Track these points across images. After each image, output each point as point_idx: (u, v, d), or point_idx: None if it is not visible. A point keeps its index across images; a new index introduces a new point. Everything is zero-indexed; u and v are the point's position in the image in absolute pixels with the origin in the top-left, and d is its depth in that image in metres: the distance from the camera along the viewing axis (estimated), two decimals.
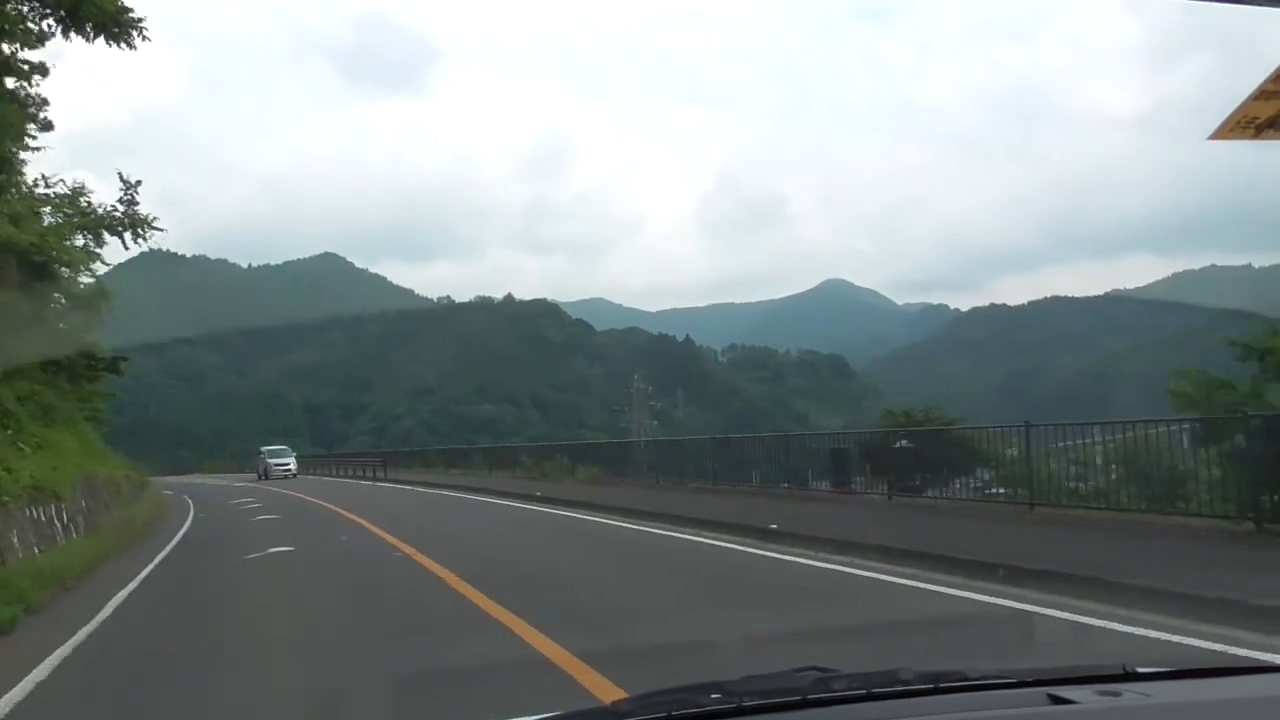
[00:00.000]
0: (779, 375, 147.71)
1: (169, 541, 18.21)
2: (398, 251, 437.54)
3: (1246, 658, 4.37)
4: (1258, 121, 1.82)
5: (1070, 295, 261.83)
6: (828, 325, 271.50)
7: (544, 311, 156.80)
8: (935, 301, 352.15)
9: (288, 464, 49.69)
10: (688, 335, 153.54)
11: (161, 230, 27.64)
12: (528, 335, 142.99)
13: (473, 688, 5.95)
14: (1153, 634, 6.58)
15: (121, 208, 26.86)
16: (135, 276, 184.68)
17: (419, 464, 46.38)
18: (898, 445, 17.74)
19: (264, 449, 53.28)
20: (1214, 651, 5.96)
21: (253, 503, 28.32)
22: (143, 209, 26.71)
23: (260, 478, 47.52)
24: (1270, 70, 1.78)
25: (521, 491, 24.47)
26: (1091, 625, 6.91)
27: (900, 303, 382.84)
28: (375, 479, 41.64)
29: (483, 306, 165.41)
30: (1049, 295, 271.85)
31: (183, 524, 22.41)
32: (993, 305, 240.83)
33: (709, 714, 1.84)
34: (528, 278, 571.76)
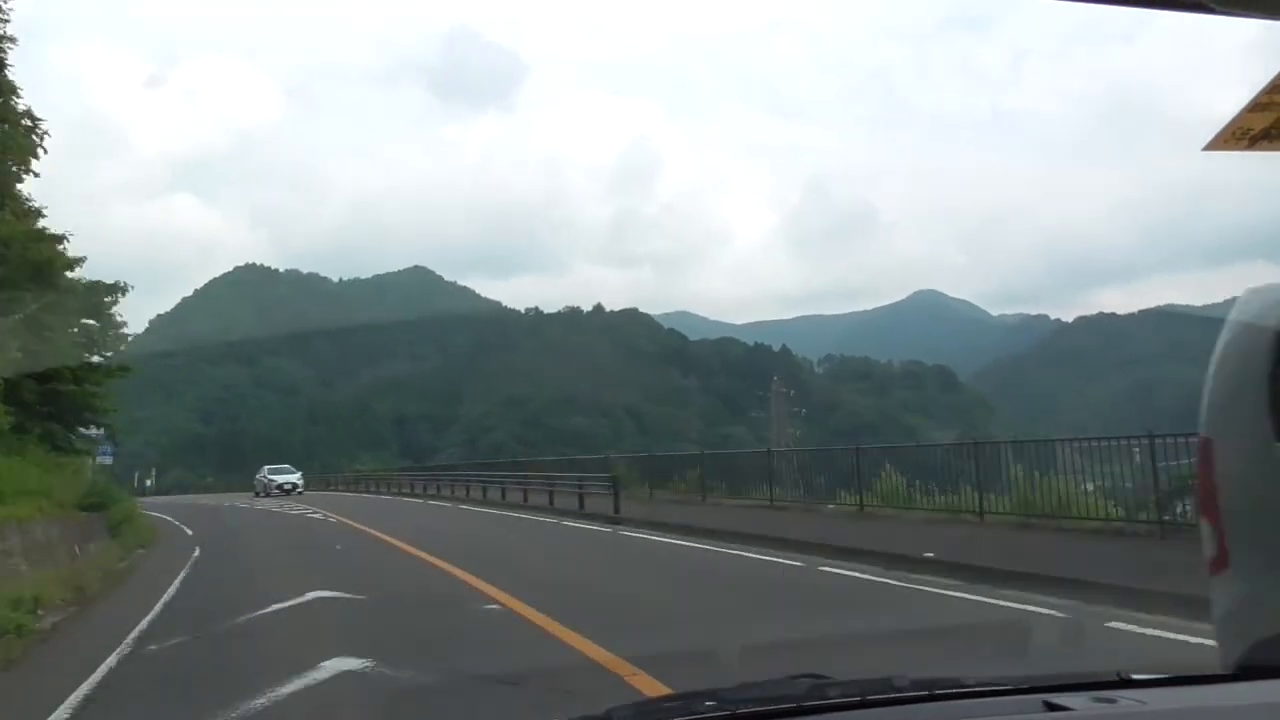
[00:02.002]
0: (882, 387, 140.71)
1: None
2: (483, 265, 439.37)
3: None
4: (1252, 133, 1.85)
5: (1183, 305, 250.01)
6: (921, 337, 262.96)
7: (634, 321, 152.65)
8: (1032, 312, 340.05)
9: (289, 480, 47.25)
10: (784, 345, 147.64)
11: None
12: (619, 346, 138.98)
13: None
14: None
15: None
16: (229, 290, 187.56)
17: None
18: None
19: (266, 469, 50.11)
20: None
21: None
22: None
23: (258, 495, 45.92)
24: (1264, 83, 1.80)
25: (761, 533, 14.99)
26: None
27: (995, 314, 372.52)
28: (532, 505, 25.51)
29: (572, 317, 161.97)
30: (1160, 305, 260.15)
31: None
32: (1100, 315, 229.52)
33: None
34: (612, 291, 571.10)
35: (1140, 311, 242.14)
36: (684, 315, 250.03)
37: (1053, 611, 8.08)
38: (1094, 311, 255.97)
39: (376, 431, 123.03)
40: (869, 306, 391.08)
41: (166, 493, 69.51)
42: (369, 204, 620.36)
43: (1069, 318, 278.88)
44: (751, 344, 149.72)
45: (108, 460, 34.18)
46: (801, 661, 2.42)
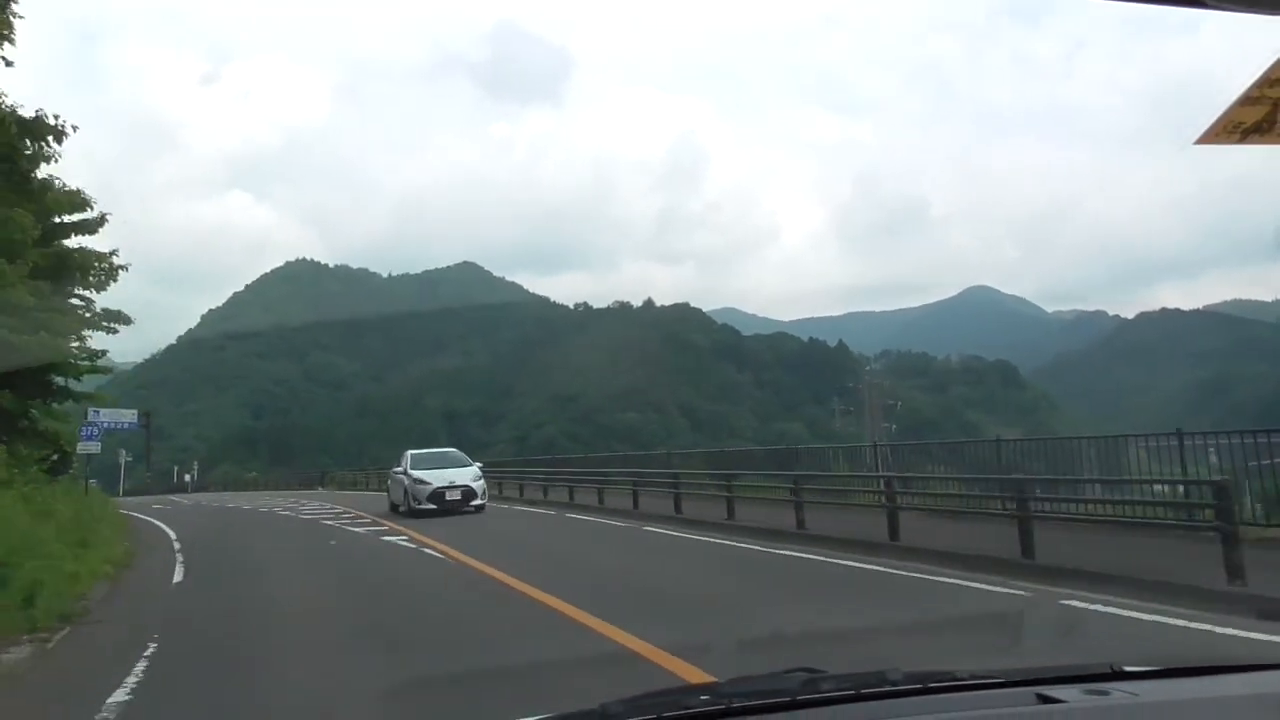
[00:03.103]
0: (941, 383, 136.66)
1: None
2: (530, 262, 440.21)
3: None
4: (1243, 126, 1.89)
5: (1252, 300, 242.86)
6: (974, 333, 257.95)
7: (685, 316, 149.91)
8: (1087, 308, 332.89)
9: (462, 487, 22.20)
10: (840, 340, 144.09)
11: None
12: (670, 341, 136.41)
13: None
14: None
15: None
16: (280, 284, 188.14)
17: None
18: None
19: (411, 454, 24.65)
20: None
21: None
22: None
23: (399, 509, 22.90)
24: (1255, 76, 1.83)
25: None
26: None
27: (1050, 310, 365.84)
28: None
29: (621, 312, 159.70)
30: (1226, 300, 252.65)
31: None
32: (1163, 310, 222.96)
33: (698, 715, 1.84)
34: (658, 288, 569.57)
35: (1205, 307, 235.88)
36: (731, 312, 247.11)
37: None
38: (1155, 308, 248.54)
39: (426, 426, 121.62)
40: (920, 303, 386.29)
41: (206, 489, 65.36)
42: (417, 200, 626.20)
43: (1126, 314, 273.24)
44: (806, 339, 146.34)
45: (94, 447, 27.38)
46: None
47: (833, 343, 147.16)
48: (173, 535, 19.69)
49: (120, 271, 23.13)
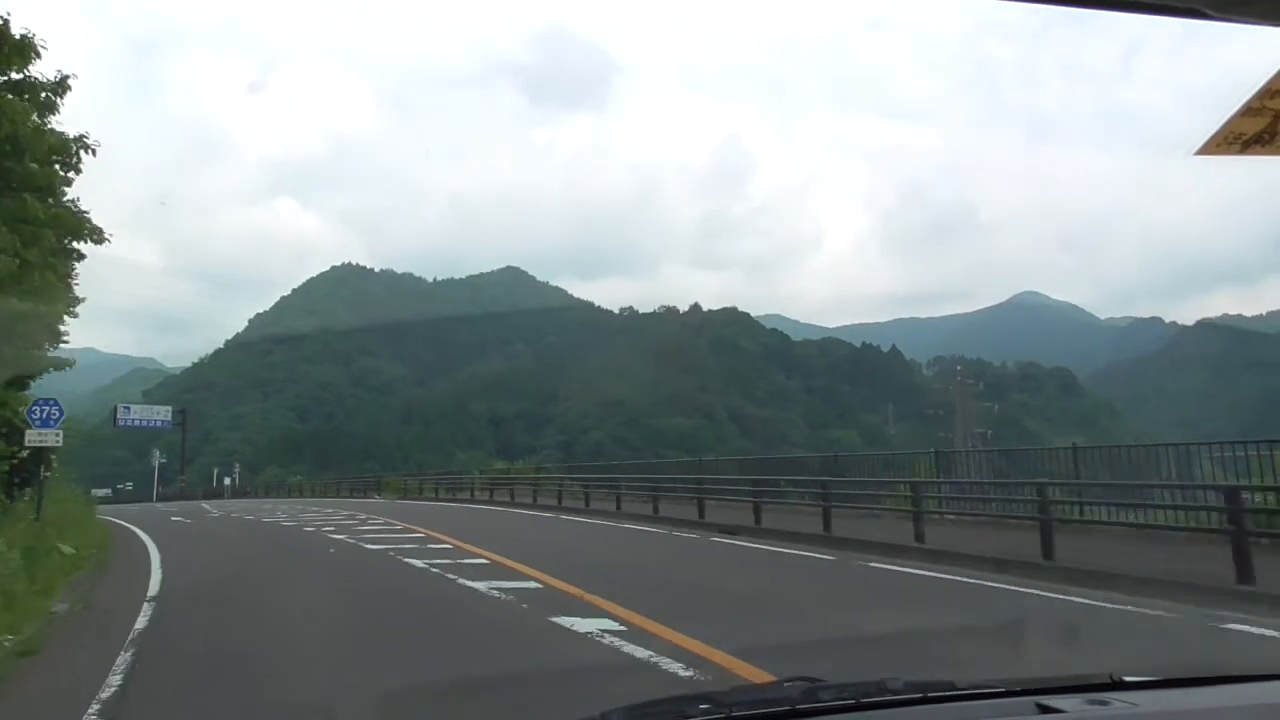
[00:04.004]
0: (998, 390, 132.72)
1: None
2: (573, 267, 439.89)
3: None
4: (1244, 138, 1.89)
5: None
6: (1024, 340, 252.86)
7: (733, 320, 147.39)
8: (1142, 315, 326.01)
9: None
10: (894, 346, 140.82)
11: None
12: (719, 346, 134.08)
13: None
14: None
15: None
16: (326, 288, 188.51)
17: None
18: None
19: None
20: None
21: None
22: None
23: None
24: (1256, 87, 1.84)
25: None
26: None
27: (1103, 316, 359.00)
28: None
29: (667, 317, 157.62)
30: None
31: None
32: (1225, 316, 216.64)
33: None
34: (702, 293, 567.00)
35: (1269, 313, 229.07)
36: (776, 318, 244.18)
37: None
38: (1213, 314, 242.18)
39: (472, 431, 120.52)
40: (968, 309, 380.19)
41: (248, 493, 61.41)
42: (462, 204, 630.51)
43: (1182, 320, 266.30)
44: (858, 344, 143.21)
45: (51, 438, 18.98)
46: None
47: (894, 345, 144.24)
48: (153, 586, 11.74)
49: (88, 154, 17.40)
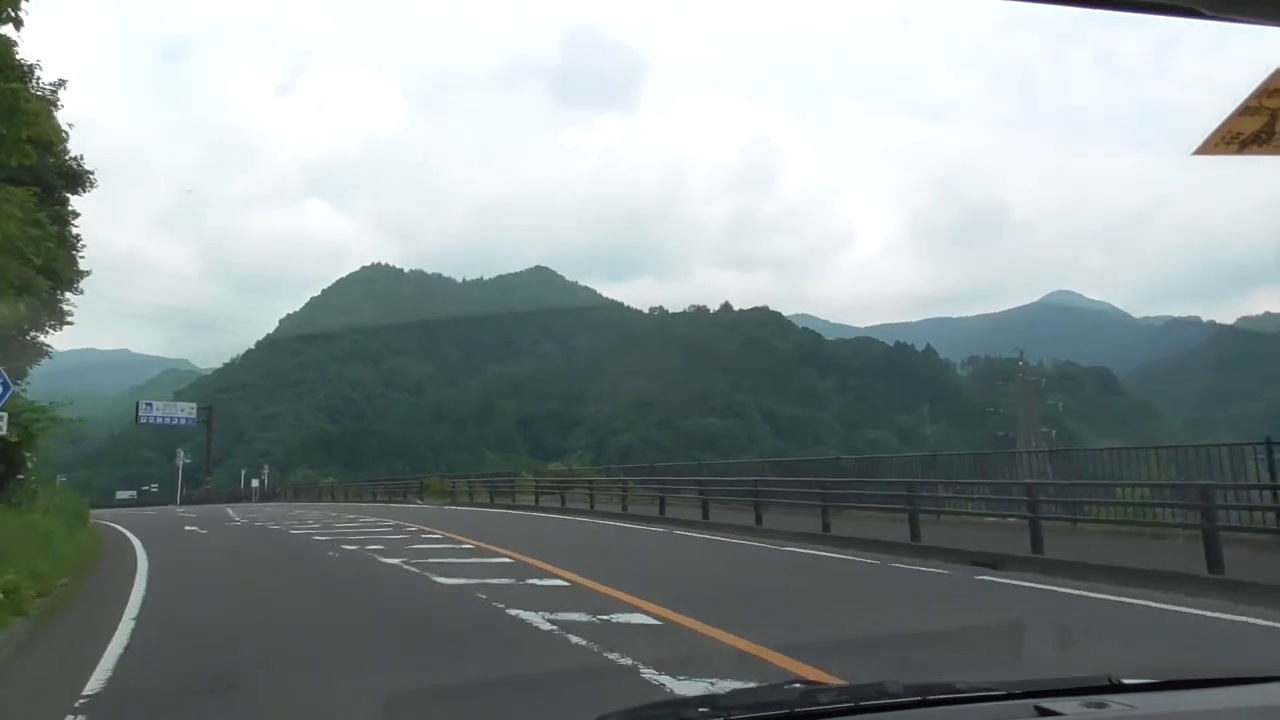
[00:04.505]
0: (1037, 390, 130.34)
1: None
2: (602, 267, 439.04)
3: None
4: (1242, 137, 1.90)
5: None
6: (1058, 340, 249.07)
7: (765, 320, 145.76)
8: (1179, 314, 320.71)
9: None
10: (929, 345, 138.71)
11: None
12: (751, 345, 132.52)
13: None
14: None
15: None
16: (356, 288, 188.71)
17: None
18: None
19: None
20: None
21: None
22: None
23: None
24: (1254, 87, 1.86)
25: None
26: None
27: (1138, 316, 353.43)
28: None
29: (698, 316, 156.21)
30: None
31: None
32: (1267, 315, 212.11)
33: None
34: (731, 294, 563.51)
35: None
36: (805, 318, 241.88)
37: None
38: (1254, 313, 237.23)
39: (502, 431, 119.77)
40: (1000, 309, 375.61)
41: (277, 496, 57.94)
42: (491, 205, 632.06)
43: (1221, 319, 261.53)
44: (892, 343, 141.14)
45: None
46: None
47: (929, 345, 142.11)
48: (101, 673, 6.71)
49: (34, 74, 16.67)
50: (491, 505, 32.33)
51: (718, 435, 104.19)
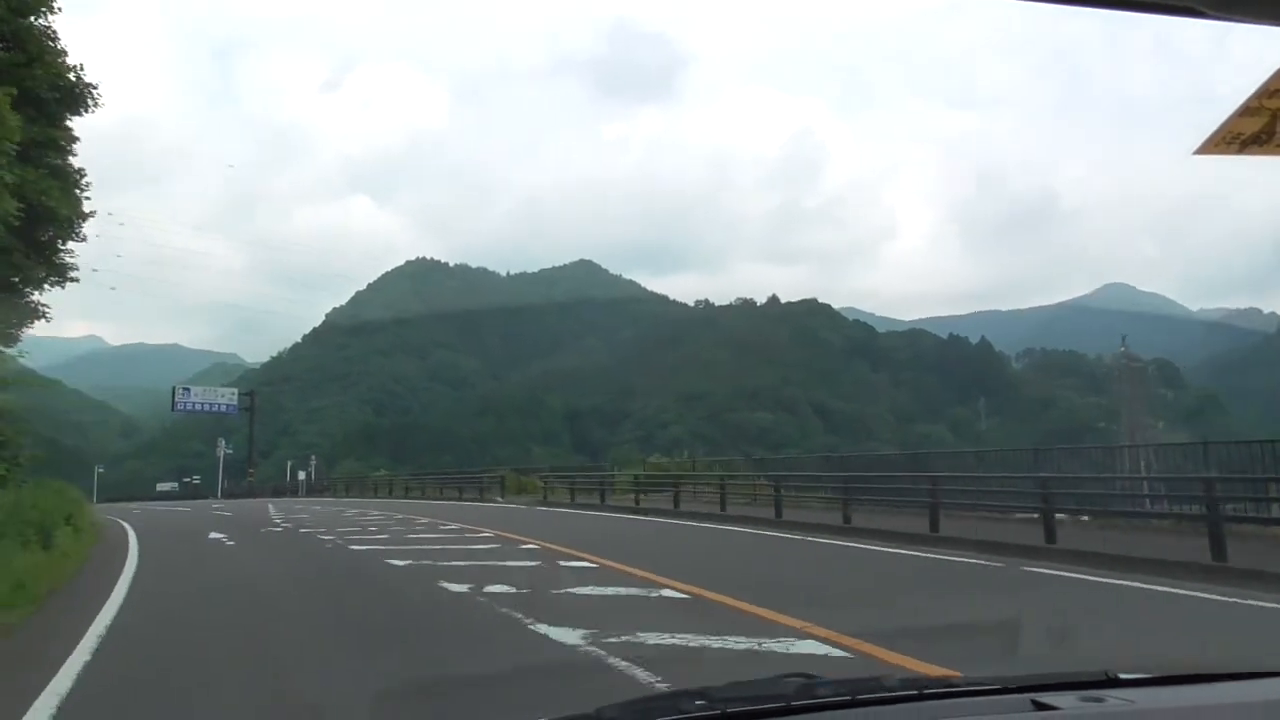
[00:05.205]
0: (1096, 383, 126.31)
1: None
2: (646, 260, 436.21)
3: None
4: (1242, 137, 1.93)
5: None
6: (1113, 333, 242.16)
7: (814, 312, 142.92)
8: (1237, 306, 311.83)
9: None
10: (983, 337, 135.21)
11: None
12: (800, 338, 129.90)
13: None
14: None
15: None
16: (401, 282, 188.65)
17: None
18: None
19: None
20: None
21: None
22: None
23: None
24: (1255, 87, 1.89)
25: None
26: None
27: (1195, 308, 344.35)
28: None
29: (745, 309, 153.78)
30: None
31: None
32: None
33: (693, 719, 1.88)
34: (774, 287, 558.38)
35: None
36: (850, 312, 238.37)
37: None
38: None
39: (548, 425, 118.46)
40: (1051, 301, 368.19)
41: (325, 490, 54.08)
42: (534, 199, 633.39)
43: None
44: (945, 336, 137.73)
45: None
46: None
47: (984, 337, 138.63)
48: None
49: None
50: (572, 503, 28.62)
51: (767, 429, 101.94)
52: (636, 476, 30.32)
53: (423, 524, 21.18)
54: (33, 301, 22.73)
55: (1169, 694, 1.99)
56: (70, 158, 21.32)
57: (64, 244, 21.91)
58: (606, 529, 19.71)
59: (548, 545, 14.68)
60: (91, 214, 22.52)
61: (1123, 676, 1.97)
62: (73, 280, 23.00)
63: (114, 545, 17.54)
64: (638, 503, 26.03)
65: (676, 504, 23.81)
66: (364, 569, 12.86)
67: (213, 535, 19.80)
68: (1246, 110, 1.84)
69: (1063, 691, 1.86)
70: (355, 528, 20.69)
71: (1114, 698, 1.83)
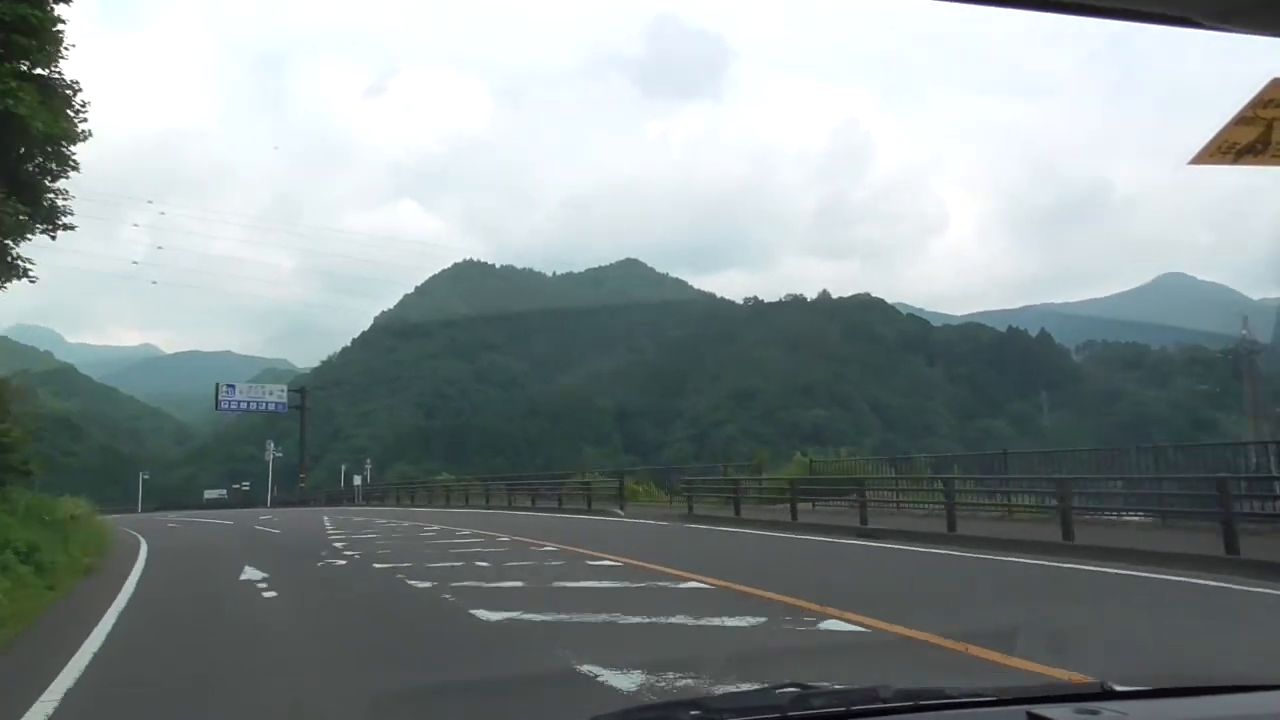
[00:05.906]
0: (1162, 376, 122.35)
1: None
2: (691, 258, 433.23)
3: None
4: (1237, 147, 1.94)
5: None
6: (1173, 324, 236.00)
7: (866, 307, 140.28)
8: None
9: None
10: (1043, 329, 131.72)
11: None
12: (853, 333, 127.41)
13: None
14: None
15: None
16: (448, 285, 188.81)
17: None
18: None
19: None
20: None
21: None
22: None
23: None
24: (1249, 97, 1.91)
25: None
26: None
27: (1256, 297, 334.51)
28: None
29: (795, 305, 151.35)
30: None
31: None
32: None
33: None
34: (822, 283, 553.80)
35: None
36: (902, 307, 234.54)
37: None
38: None
39: (599, 426, 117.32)
40: (1106, 293, 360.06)
41: (380, 497, 51.56)
42: (579, 199, 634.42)
43: None
44: (1004, 329, 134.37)
45: None
46: None
47: (1044, 329, 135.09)
48: None
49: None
50: (737, 522, 21.73)
51: (821, 426, 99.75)
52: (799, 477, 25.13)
53: (533, 551, 15.63)
54: (12, 255, 18.14)
55: (1164, 707, 1.98)
56: (59, 61, 17.45)
57: (53, 181, 18.11)
58: (883, 564, 13.63)
59: (878, 624, 7.70)
60: (87, 135, 18.35)
61: (1118, 689, 1.96)
62: (67, 228, 18.67)
63: (86, 600, 12.16)
64: (794, 516, 20.66)
65: (864, 519, 18.77)
66: (545, 681, 6.14)
67: (247, 573, 14.06)
68: (1242, 120, 1.84)
69: (1058, 704, 1.85)
70: (455, 561, 14.64)
71: (1109, 710, 1.82)
